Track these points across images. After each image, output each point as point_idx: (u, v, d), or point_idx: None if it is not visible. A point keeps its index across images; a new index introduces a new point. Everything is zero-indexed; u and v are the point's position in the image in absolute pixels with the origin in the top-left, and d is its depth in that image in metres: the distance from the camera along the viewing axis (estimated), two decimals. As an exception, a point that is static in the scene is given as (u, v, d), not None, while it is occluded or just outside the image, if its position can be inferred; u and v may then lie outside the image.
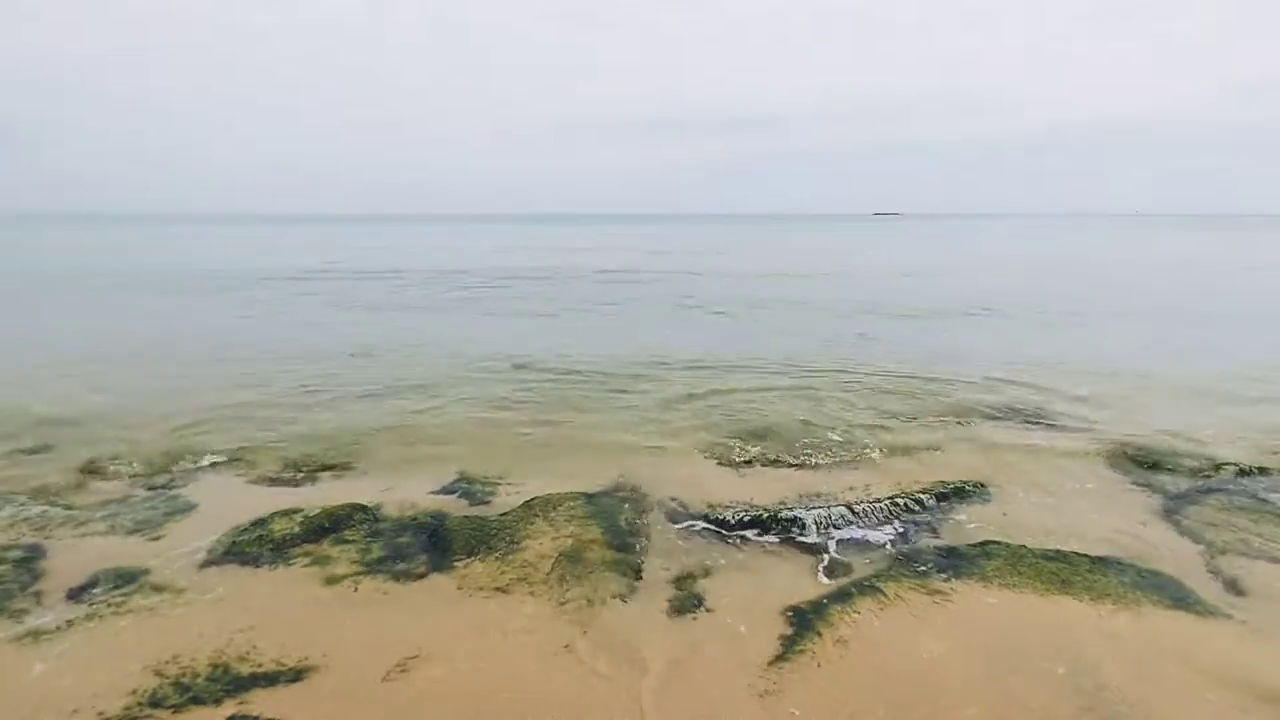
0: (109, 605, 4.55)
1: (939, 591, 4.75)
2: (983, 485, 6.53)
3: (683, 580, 4.94)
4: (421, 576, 4.96)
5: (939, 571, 5.01)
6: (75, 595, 4.68)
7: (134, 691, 3.74)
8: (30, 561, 5.10)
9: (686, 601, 4.66)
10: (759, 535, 5.60)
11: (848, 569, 5.09)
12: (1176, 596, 4.70)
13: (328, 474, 6.87)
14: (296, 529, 5.60)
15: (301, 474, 6.87)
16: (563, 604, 4.62)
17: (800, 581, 4.92)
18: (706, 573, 5.03)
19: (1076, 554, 5.24)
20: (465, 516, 5.88)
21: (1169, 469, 6.95)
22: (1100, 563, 5.12)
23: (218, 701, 3.69)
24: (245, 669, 3.93)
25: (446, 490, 6.47)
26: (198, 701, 3.69)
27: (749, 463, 7.18)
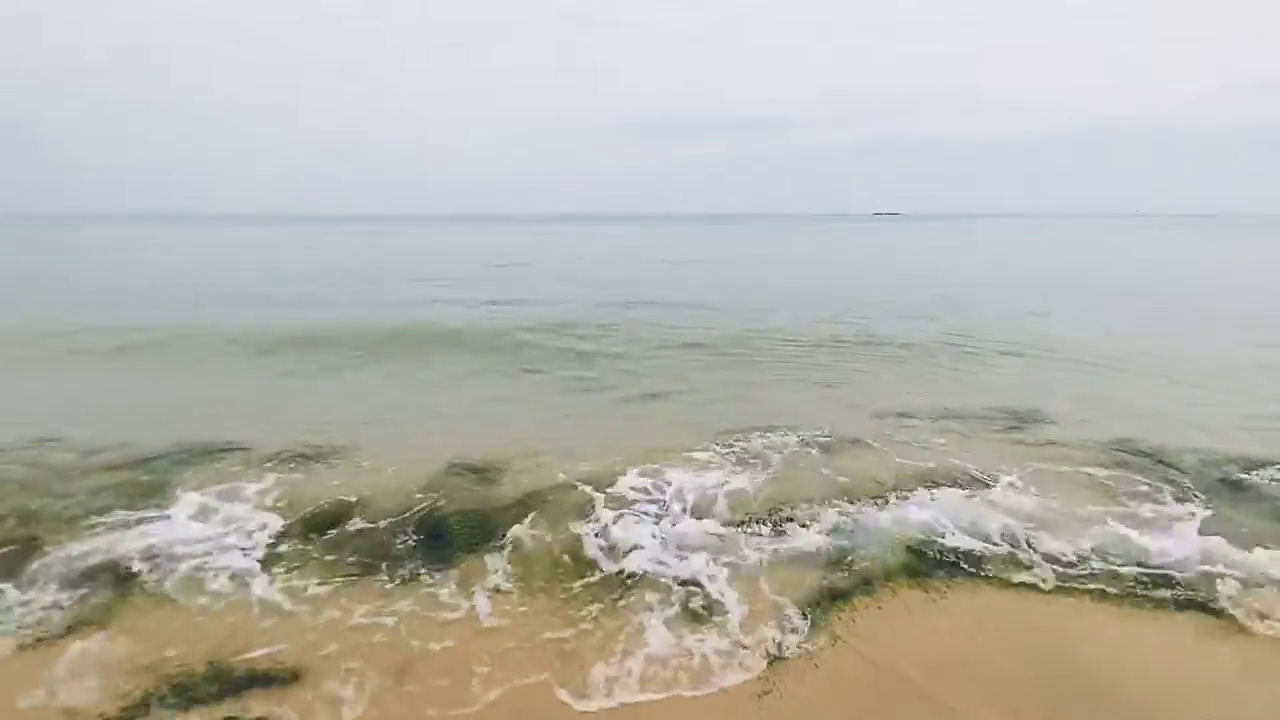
0: (107, 604, 4.55)
1: (939, 591, 4.75)
2: (982, 483, 6.52)
3: (682, 579, 4.93)
4: (420, 575, 4.95)
5: (938, 571, 5.00)
6: (74, 595, 4.67)
7: (132, 691, 3.74)
8: (29, 561, 5.10)
9: (686, 599, 4.66)
10: (760, 533, 5.60)
11: (848, 568, 5.08)
12: (1177, 596, 4.68)
13: (328, 473, 6.86)
14: (295, 527, 5.60)
15: (302, 473, 6.86)
16: (563, 602, 4.61)
17: (800, 580, 4.90)
18: (707, 570, 5.01)
19: (1075, 552, 5.23)
20: (465, 512, 5.88)
21: (1167, 466, 6.93)
22: (1099, 562, 5.11)
23: (216, 701, 3.68)
24: (243, 669, 3.93)
25: (447, 485, 6.46)
26: (195, 701, 3.69)
27: (749, 460, 7.17)
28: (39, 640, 4.20)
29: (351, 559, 5.17)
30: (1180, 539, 5.48)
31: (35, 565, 5.04)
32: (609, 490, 6.39)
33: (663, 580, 4.91)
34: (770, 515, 5.86)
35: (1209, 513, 5.93)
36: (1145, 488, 6.46)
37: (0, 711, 3.65)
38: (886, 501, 6.11)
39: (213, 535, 5.52)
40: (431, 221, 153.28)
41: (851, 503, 6.09)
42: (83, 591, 4.71)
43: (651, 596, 4.71)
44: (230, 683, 3.82)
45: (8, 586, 4.76)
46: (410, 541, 5.42)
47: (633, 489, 6.43)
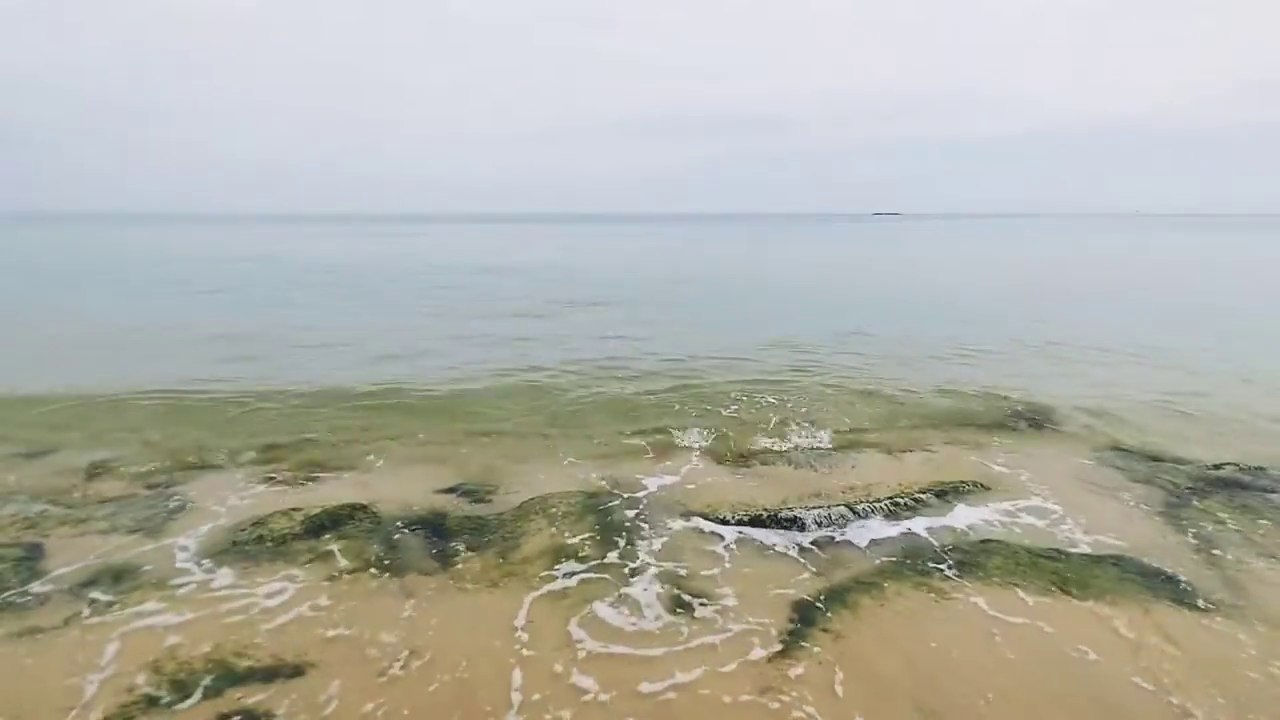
0: (108, 603, 4.56)
1: (939, 590, 4.75)
2: (982, 484, 6.52)
3: (683, 578, 4.93)
4: (420, 574, 4.95)
5: (938, 570, 5.00)
6: (75, 593, 4.68)
7: (132, 688, 3.75)
8: (31, 560, 5.11)
9: (686, 599, 4.66)
10: (759, 534, 5.59)
11: (848, 568, 5.08)
12: (1175, 594, 4.69)
13: (329, 473, 6.86)
14: (297, 528, 5.60)
15: (302, 473, 6.86)
16: (562, 601, 4.61)
17: (800, 580, 4.91)
18: (706, 571, 5.02)
19: (1075, 552, 5.24)
20: (464, 515, 5.88)
21: (1167, 468, 6.94)
22: (1099, 560, 5.12)
23: (215, 698, 3.69)
24: (243, 666, 3.93)
25: (446, 489, 6.46)
26: (195, 698, 3.69)
27: (749, 461, 7.18)
28: (40, 637, 4.20)
29: (353, 559, 5.17)
30: (1183, 539, 5.49)
31: (38, 565, 5.05)
32: (606, 490, 6.39)
33: (660, 580, 4.92)
34: (770, 514, 5.86)
35: (1212, 513, 5.94)
36: (1150, 488, 6.47)
37: (2, 705, 3.65)
38: (888, 501, 6.10)
39: (214, 535, 5.53)
40: (431, 221, 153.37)
41: (851, 504, 6.08)
42: (84, 590, 4.71)
43: (649, 595, 4.72)
44: (231, 679, 3.83)
45: (11, 586, 4.77)
46: (410, 543, 5.42)
47: (631, 489, 6.43)
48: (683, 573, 5.00)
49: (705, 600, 4.65)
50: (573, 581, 4.86)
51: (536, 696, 3.74)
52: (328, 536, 5.49)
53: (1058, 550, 5.27)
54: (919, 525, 5.75)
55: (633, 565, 5.09)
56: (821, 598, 4.66)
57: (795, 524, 5.71)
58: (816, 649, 4.12)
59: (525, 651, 4.10)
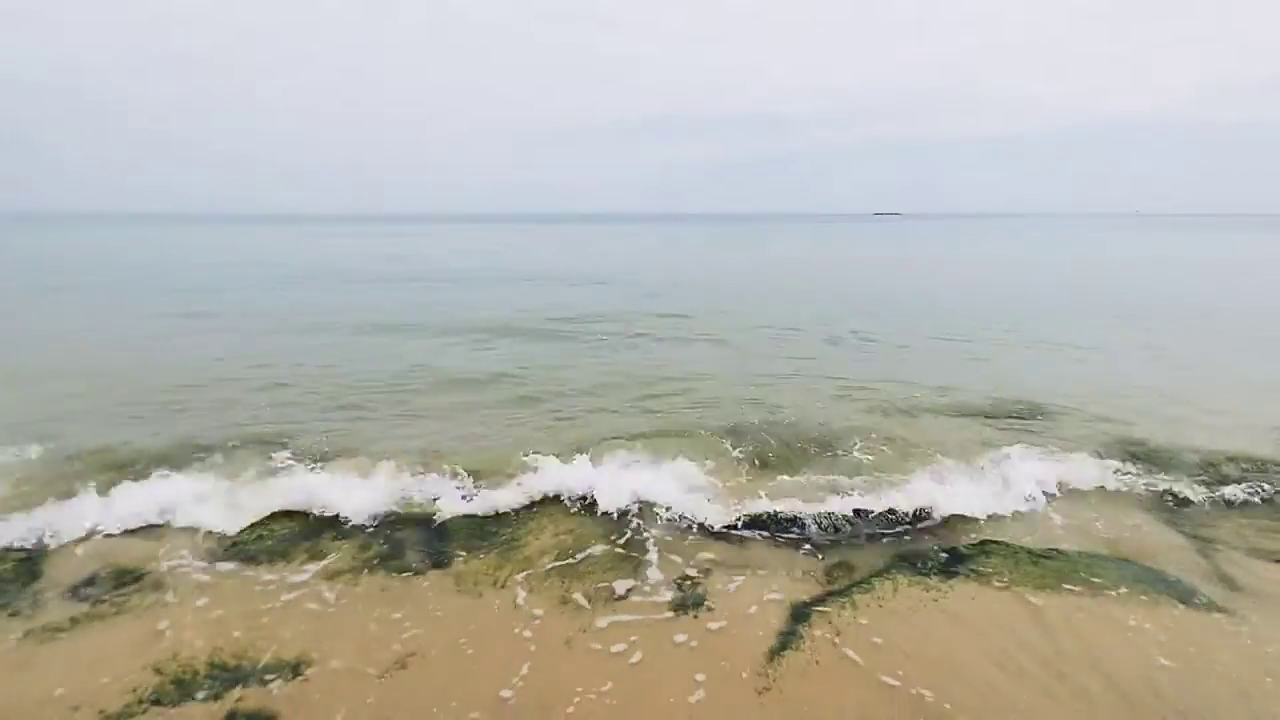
0: (109, 603, 4.57)
1: (937, 590, 4.76)
2: (980, 484, 6.52)
3: (683, 578, 4.95)
4: (420, 573, 4.97)
5: (938, 571, 5.02)
6: (75, 594, 4.69)
7: (134, 689, 3.76)
8: (31, 561, 5.12)
9: (686, 599, 4.67)
10: (759, 534, 5.61)
11: (847, 568, 5.09)
12: (1175, 594, 4.70)
13: (329, 474, 6.86)
14: (297, 527, 5.62)
15: (303, 475, 6.86)
16: (562, 600, 4.63)
17: (800, 580, 4.92)
18: (706, 571, 5.04)
19: (1075, 552, 5.25)
20: (465, 515, 5.89)
21: (1167, 467, 6.94)
22: (1098, 561, 5.13)
23: (216, 698, 3.70)
24: (244, 665, 3.95)
25: (446, 489, 6.47)
26: (197, 699, 3.70)
27: (749, 464, 7.18)
28: (44, 636, 4.22)
29: (354, 558, 5.19)
30: (1183, 538, 5.50)
31: (38, 566, 5.07)
32: (606, 491, 6.40)
33: (660, 579, 4.93)
34: (771, 516, 5.87)
35: (1212, 512, 5.96)
36: (1151, 487, 6.48)
37: (4, 706, 3.67)
38: (888, 498, 6.11)
39: (214, 536, 5.54)
40: (432, 222, 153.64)
41: (854, 503, 6.09)
42: (85, 591, 4.73)
43: (649, 594, 4.73)
44: (232, 679, 3.84)
45: (11, 587, 4.78)
46: (411, 541, 5.44)
47: (632, 490, 6.44)
48: (684, 573, 5.01)
49: (706, 600, 4.66)
50: (574, 581, 4.87)
51: (537, 693, 3.75)
52: (328, 535, 5.51)
53: (1057, 549, 5.29)
54: (918, 526, 5.77)
55: (633, 564, 5.10)
56: (820, 598, 4.67)
57: (796, 525, 5.72)
58: (816, 649, 4.13)
59: (525, 649, 4.11)
